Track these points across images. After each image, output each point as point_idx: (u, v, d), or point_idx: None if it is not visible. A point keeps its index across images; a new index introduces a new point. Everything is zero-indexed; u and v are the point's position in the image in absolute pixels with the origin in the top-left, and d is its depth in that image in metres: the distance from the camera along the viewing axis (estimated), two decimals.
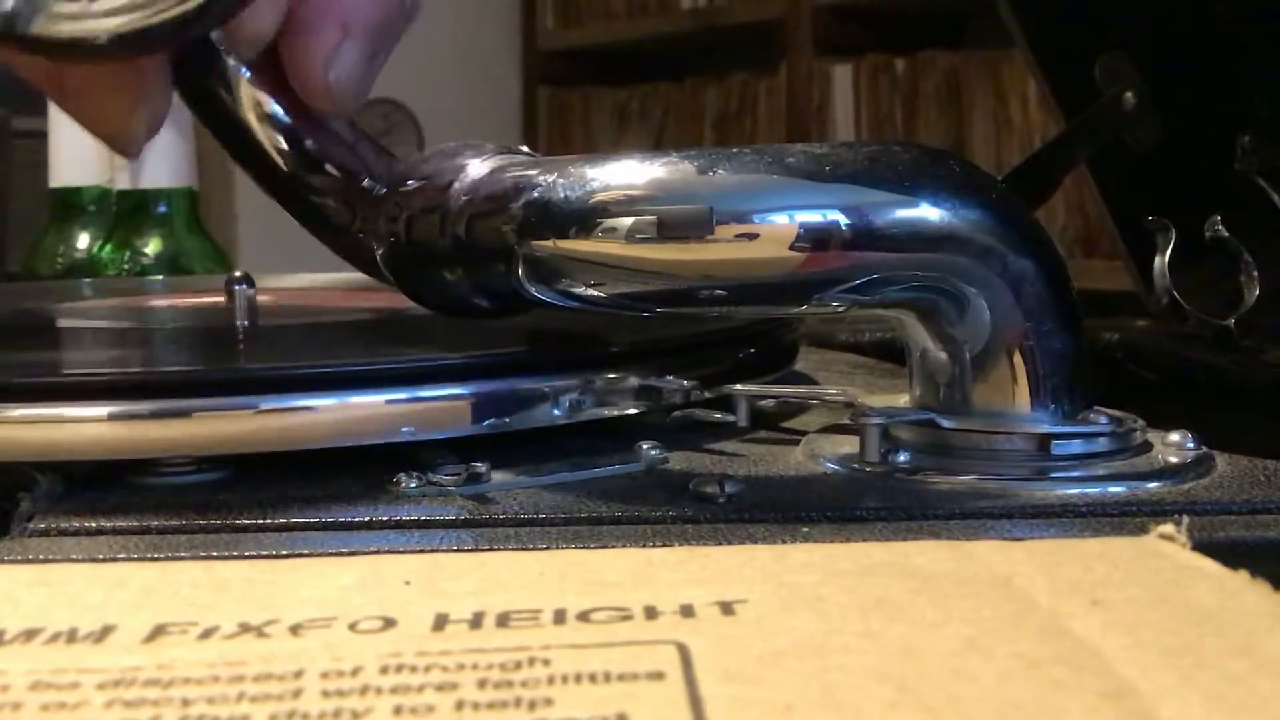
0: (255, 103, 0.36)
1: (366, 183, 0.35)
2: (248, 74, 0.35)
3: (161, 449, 0.29)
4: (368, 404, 0.30)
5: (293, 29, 0.33)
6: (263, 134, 0.37)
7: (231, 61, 0.35)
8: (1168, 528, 0.23)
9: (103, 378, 0.30)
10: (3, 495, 0.28)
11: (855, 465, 0.31)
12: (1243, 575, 0.21)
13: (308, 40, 0.33)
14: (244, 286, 0.51)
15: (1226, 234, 0.43)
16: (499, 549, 0.25)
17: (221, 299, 0.51)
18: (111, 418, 0.29)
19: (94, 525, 0.27)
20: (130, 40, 0.28)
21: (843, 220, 0.28)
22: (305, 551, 0.25)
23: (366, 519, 0.27)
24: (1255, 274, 0.42)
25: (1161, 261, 0.45)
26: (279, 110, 0.36)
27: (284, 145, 0.37)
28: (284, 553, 0.25)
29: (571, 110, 2.49)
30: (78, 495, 0.28)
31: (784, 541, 0.26)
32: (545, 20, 2.51)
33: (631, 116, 2.39)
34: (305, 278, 0.58)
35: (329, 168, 0.36)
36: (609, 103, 2.42)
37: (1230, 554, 0.21)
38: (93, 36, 0.28)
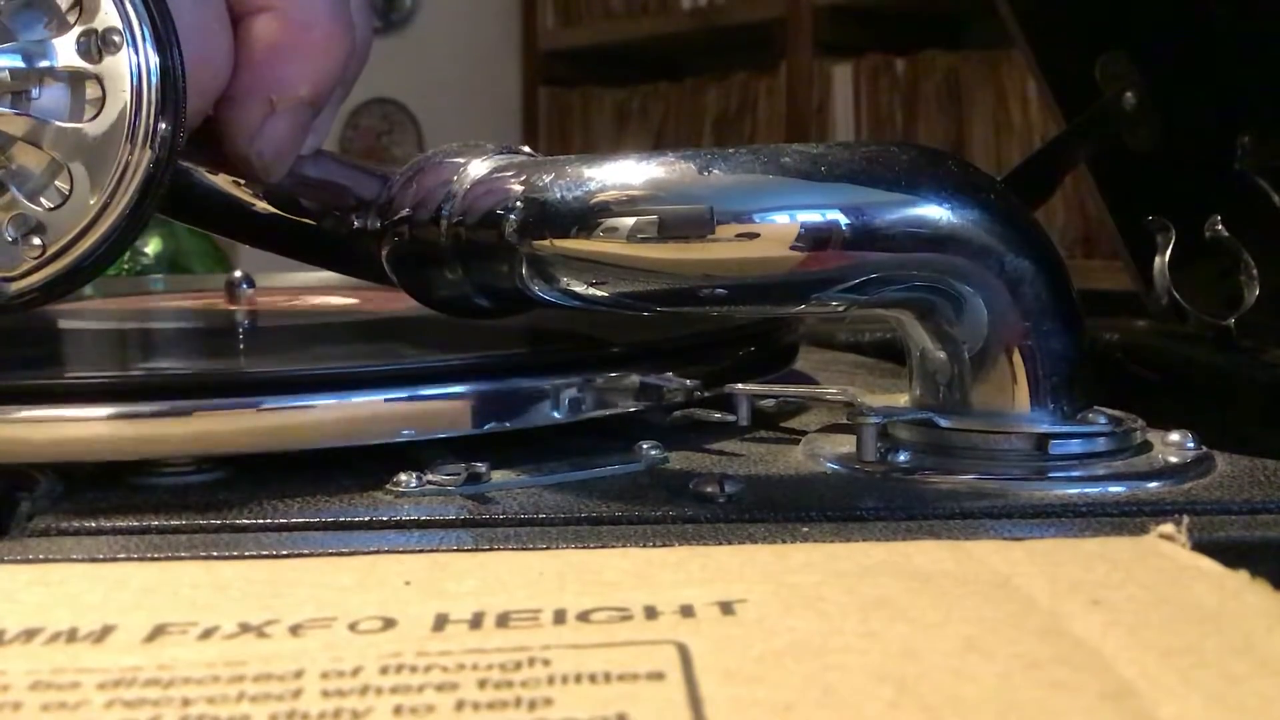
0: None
1: (365, 193, 0.35)
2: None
3: (161, 449, 0.29)
4: (368, 405, 0.30)
5: (224, 100, 0.33)
6: (237, 189, 0.37)
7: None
8: (1168, 528, 0.23)
9: (103, 379, 0.30)
10: (3, 495, 0.28)
11: (855, 465, 0.31)
12: (1243, 575, 0.21)
13: (233, 114, 0.33)
14: (244, 286, 0.51)
15: (1226, 234, 0.43)
16: (499, 549, 0.25)
17: (221, 299, 0.51)
18: (112, 418, 0.28)
19: (94, 525, 0.27)
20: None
21: (842, 220, 0.28)
22: (305, 551, 0.25)
23: (366, 519, 0.27)
24: (1255, 274, 0.42)
25: (1161, 261, 0.45)
26: None
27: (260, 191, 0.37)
28: (284, 553, 0.25)
29: (571, 110, 2.49)
30: (78, 495, 0.28)
31: (784, 541, 0.26)
32: (545, 20, 2.51)
33: (631, 116, 2.39)
34: (305, 277, 0.58)
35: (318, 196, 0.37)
36: (609, 103, 2.42)
37: (1230, 554, 0.21)
38: None
